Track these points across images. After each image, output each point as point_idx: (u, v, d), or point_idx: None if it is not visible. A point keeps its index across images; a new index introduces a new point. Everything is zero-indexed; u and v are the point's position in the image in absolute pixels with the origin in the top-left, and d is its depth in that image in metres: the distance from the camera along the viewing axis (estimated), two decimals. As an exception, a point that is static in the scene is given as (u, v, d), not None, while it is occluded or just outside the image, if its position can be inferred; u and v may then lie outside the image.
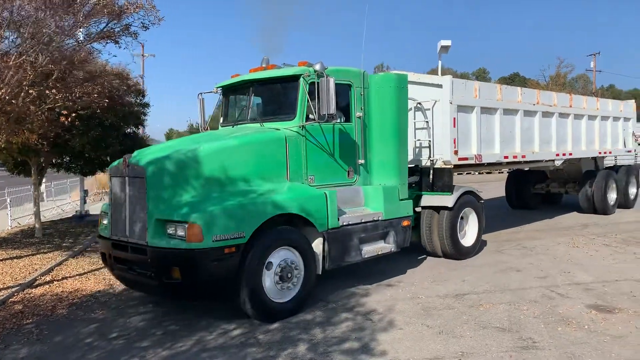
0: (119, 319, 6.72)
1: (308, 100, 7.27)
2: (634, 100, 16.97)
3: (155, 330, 6.27)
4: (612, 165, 16.90)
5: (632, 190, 16.11)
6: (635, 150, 16.73)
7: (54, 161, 13.93)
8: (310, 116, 7.29)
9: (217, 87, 8.60)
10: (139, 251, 6.26)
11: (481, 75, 59.84)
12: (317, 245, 7.07)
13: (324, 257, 7.10)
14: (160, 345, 5.75)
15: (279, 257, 6.49)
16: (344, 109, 7.86)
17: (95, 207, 22.40)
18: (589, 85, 53.77)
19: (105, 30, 9.61)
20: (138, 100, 15.54)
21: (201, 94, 8.89)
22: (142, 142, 15.99)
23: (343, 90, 7.71)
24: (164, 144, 8.18)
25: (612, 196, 14.92)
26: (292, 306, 6.61)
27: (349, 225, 7.41)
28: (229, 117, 8.55)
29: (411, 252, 9.76)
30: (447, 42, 11.51)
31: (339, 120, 7.67)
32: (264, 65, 8.21)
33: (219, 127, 8.64)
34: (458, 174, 27.81)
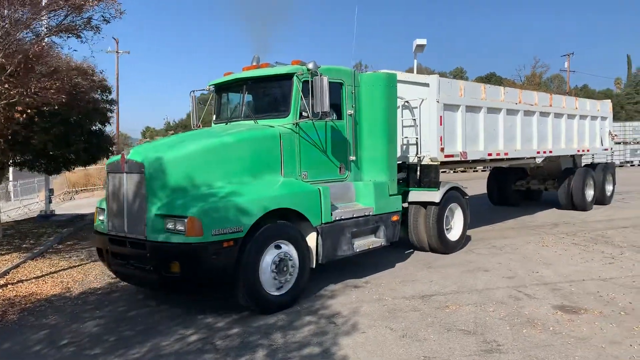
0: (72, 325, 6.48)
1: (302, 98, 7.45)
2: (609, 100, 17.52)
3: (108, 336, 6.06)
4: (589, 163, 17.42)
5: (609, 187, 16.61)
6: (611, 149, 17.27)
7: (16, 159, 13.45)
8: (304, 114, 7.47)
9: (210, 85, 8.72)
10: (137, 246, 6.37)
11: (459, 75, 60.62)
12: (311, 239, 7.26)
13: (317, 251, 7.30)
14: (112, 353, 5.56)
15: (275, 250, 6.66)
16: (336, 107, 8.04)
17: (64, 207, 22.23)
18: (564, 85, 54.92)
19: (65, 23, 9.38)
20: (104, 97, 15.24)
21: (193, 91, 9.04)
22: (108, 140, 15.79)
23: (335, 89, 7.90)
24: (161, 141, 8.29)
25: (590, 193, 15.40)
26: (288, 298, 6.79)
27: (341, 220, 7.61)
28: (222, 114, 8.68)
29: (387, 250, 9.47)
30: (423, 41, 11.78)
31: (331, 118, 7.86)
32: (255, 64, 8.36)
33: (212, 124, 8.76)
34: (442, 171, 28.34)
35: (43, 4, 8.62)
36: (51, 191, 17.71)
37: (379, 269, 8.67)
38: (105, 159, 18.11)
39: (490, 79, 54.69)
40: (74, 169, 16.64)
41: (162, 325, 6.33)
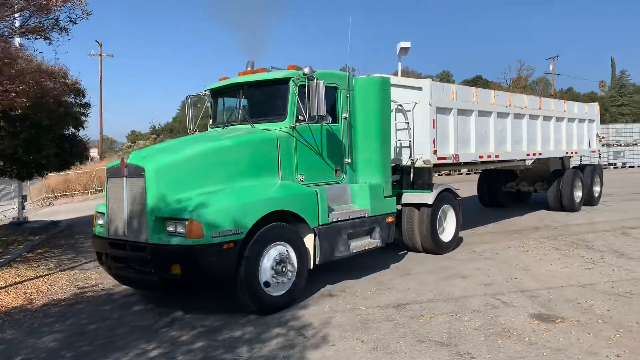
0: (29, 339, 6.18)
1: (298, 102, 7.57)
2: (597, 103, 17.84)
3: (66, 352, 5.77)
4: (578, 165, 17.71)
5: (596, 189, 16.90)
6: (599, 151, 17.58)
7: None
8: (300, 117, 7.59)
9: (206, 90, 8.83)
10: (138, 249, 6.44)
11: (445, 78, 61.10)
12: (309, 240, 7.37)
13: (315, 252, 7.41)
14: (67, 370, 5.30)
15: (274, 252, 6.76)
16: (331, 111, 8.17)
17: (41, 213, 21.75)
18: (549, 88, 55.60)
19: (31, 24, 9.15)
20: (77, 101, 14.88)
21: (189, 96, 9.11)
22: (81, 145, 15.42)
23: (330, 93, 8.02)
24: (159, 145, 8.37)
25: (578, 194, 15.66)
26: (287, 299, 6.90)
27: (338, 221, 7.74)
28: (219, 118, 8.78)
29: (367, 256, 9.34)
30: (407, 44, 11.92)
31: (327, 122, 7.98)
32: (250, 68, 8.49)
33: (208, 128, 8.86)
34: (438, 174, 28.64)
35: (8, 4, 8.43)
36: (24, 197, 17.17)
37: (355, 276, 8.41)
38: (79, 164, 17.73)
39: (477, 82, 55.19)
40: (46, 174, 16.23)
41: (123, 339, 6.06)
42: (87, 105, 15.40)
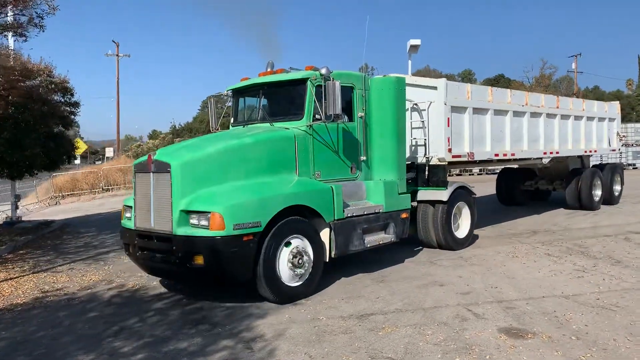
0: None
1: (315, 101, 7.90)
2: (618, 102, 17.77)
3: None
4: (598, 163, 17.67)
5: (617, 188, 16.86)
6: (619, 150, 17.52)
7: None
8: (317, 116, 7.92)
9: (228, 90, 9.22)
10: (163, 240, 6.86)
11: (467, 77, 60.94)
12: (325, 234, 7.70)
13: (330, 245, 7.74)
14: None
15: (291, 245, 7.12)
16: (347, 110, 8.48)
17: (46, 212, 21.52)
18: (573, 87, 54.87)
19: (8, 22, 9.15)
20: (66, 99, 14.73)
21: (212, 96, 9.53)
22: (68, 144, 15.20)
23: (346, 92, 8.33)
24: (184, 142, 8.79)
25: (598, 193, 15.66)
26: (303, 289, 7.25)
27: (353, 216, 8.05)
28: (240, 117, 9.17)
29: (341, 262, 8.89)
30: (417, 42, 12.06)
31: (343, 120, 8.29)
32: (270, 69, 8.86)
33: (230, 127, 9.25)
34: (457, 174, 28.67)
35: None
36: (17, 197, 16.85)
37: (327, 283, 7.95)
38: (67, 163, 17.25)
39: (499, 80, 54.84)
40: (36, 174, 15.74)
41: (65, 349, 5.77)
42: (76, 104, 15.20)
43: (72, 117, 15.27)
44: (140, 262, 7.55)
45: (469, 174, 31.78)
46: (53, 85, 13.66)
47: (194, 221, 6.63)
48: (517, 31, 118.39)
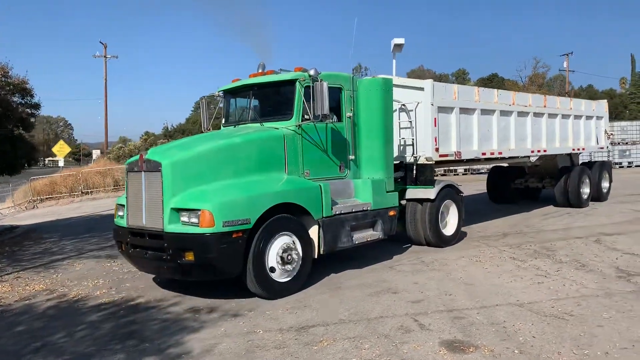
0: None
1: (304, 102, 8.11)
2: (606, 100, 18.05)
3: None
4: (587, 161, 17.94)
5: (605, 185, 17.14)
6: (607, 147, 17.79)
7: None
8: (306, 116, 8.13)
9: (220, 91, 9.43)
10: (155, 237, 7.07)
11: (461, 76, 61.23)
12: (314, 231, 7.91)
13: (319, 242, 7.95)
14: None
15: (280, 241, 7.33)
16: (336, 110, 8.71)
17: (21, 216, 20.84)
18: (567, 86, 55.23)
19: None
20: (26, 101, 14.42)
21: (204, 97, 9.75)
22: (27, 147, 14.83)
23: (334, 93, 8.56)
24: (175, 142, 9.00)
25: (586, 190, 15.93)
26: (292, 285, 7.47)
27: (341, 214, 8.26)
28: (231, 118, 9.37)
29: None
30: (400, 40, 12.17)
31: (331, 120, 8.50)
32: (261, 70, 9.07)
33: (221, 127, 9.45)
34: (442, 174, 28.80)
35: None
36: None
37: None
38: (28, 167, 16.67)
39: (493, 80, 55.17)
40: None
41: None
42: (36, 106, 14.92)
43: (32, 119, 14.85)
44: (132, 259, 7.74)
45: (454, 174, 31.54)
46: (11, 87, 13.22)
47: (184, 219, 6.83)
48: (511, 30, 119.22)
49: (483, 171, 15.98)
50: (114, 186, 28.78)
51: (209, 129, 9.71)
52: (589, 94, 55.19)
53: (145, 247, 7.31)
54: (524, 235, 11.59)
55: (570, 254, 9.48)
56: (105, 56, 44.21)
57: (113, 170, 29.85)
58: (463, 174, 31.64)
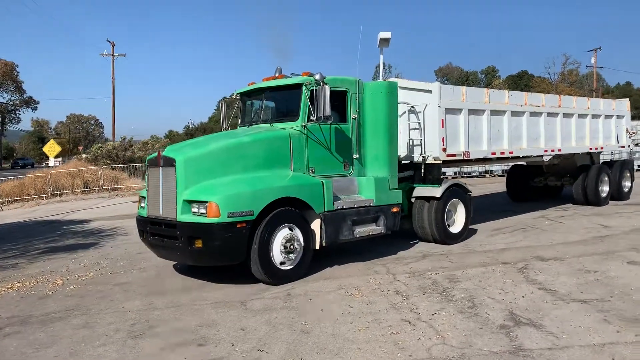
0: None
1: (309, 104, 8.74)
2: (627, 99, 17.93)
3: None
4: (608, 160, 17.89)
5: (626, 184, 17.09)
6: (629, 146, 17.70)
7: None
8: (311, 117, 8.76)
9: (236, 94, 10.19)
10: (170, 226, 7.88)
11: (490, 74, 60.27)
12: (316, 224, 8.55)
13: (321, 234, 8.58)
14: None
15: (283, 232, 8.02)
16: (341, 111, 9.30)
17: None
18: (599, 82, 53.39)
19: None
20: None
21: (224, 99, 10.55)
22: None
23: (338, 96, 9.15)
24: (191, 140, 9.79)
25: (605, 189, 15.97)
26: (294, 272, 8.16)
27: (343, 208, 8.87)
28: (245, 118, 10.10)
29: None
30: (387, 34, 12.27)
31: (334, 121, 9.08)
32: (276, 75, 9.75)
33: (238, 127, 10.20)
34: (469, 176, 28.51)
35: None
36: None
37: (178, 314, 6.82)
38: None
39: (522, 77, 54.28)
40: None
41: None
42: (27, 102, 15.13)
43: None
44: (152, 246, 8.58)
45: (464, 177, 28.81)
46: None
47: (194, 209, 7.60)
48: (538, 27, 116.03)
49: (498, 173, 15.85)
50: (84, 188, 26.81)
51: (228, 128, 10.46)
52: (624, 92, 53.57)
53: (162, 235, 8.11)
54: (445, 258, 9.65)
55: (472, 288, 7.61)
56: (112, 54, 45.62)
57: (83, 171, 27.78)
58: (469, 175, 29.07)
